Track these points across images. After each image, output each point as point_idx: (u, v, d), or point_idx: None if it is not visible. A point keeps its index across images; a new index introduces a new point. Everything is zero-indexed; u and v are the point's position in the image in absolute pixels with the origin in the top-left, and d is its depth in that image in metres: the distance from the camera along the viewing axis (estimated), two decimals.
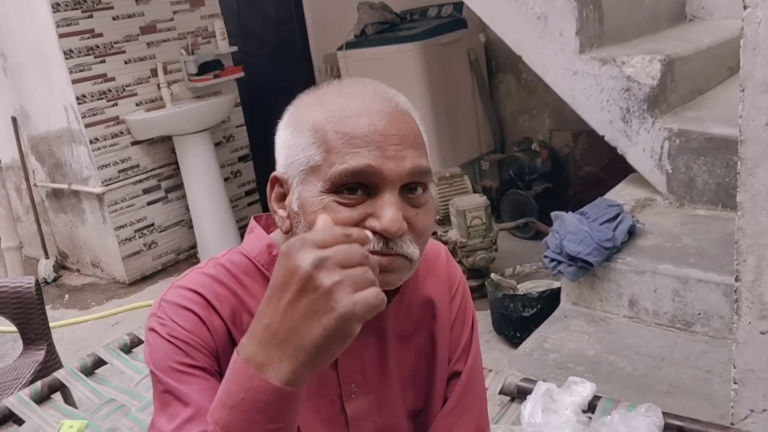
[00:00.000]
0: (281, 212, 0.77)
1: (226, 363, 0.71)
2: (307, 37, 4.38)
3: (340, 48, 3.52)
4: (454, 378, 0.92)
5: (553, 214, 2.07)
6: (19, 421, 1.35)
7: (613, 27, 2.34)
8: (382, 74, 3.37)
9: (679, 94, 2.17)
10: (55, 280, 3.58)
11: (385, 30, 3.51)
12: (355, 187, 0.70)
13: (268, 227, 0.86)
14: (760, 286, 1.07)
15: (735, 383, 1.15)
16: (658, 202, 2.12)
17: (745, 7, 0.95)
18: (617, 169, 2.94)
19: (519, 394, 1.24)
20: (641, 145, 2.09)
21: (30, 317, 1.84)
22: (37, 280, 1.85)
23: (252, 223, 0.86)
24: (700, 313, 1.74)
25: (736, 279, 1.09)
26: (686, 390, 1.59)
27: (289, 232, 0.76)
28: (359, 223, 0.70)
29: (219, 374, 0.75)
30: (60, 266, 3.72)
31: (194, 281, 0.79)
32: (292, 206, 0.74)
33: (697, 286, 1.73)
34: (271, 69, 4.28)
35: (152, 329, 0.76)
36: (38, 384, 1.38)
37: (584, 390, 1.20)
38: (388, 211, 0.69)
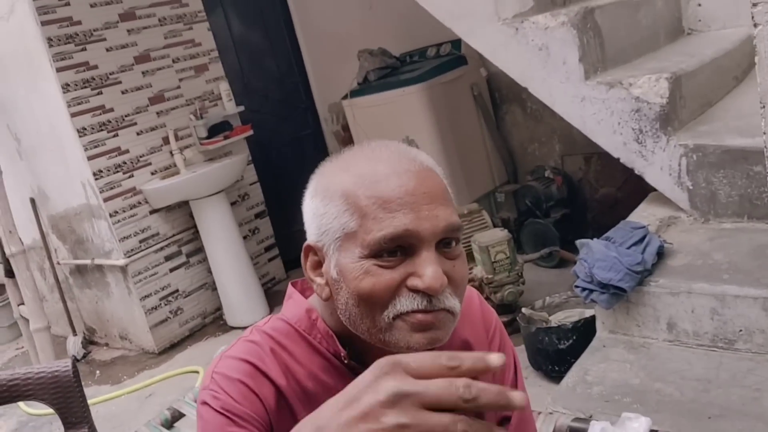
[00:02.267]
0: (319, 280, 0.78)
1: (278, 427, 0.76)
2: (311, 89, 4.45)
3: (345, 97, 3.57)
4: (505, 423, 0.92)
5: (578, 242, 2.06)
6: None
7: (615, 50, 2.36)
8: (389, 118, 3.41)
9: (689, 109, 2.17)
10: (84, 356, 3.58)
11: (387, 75, 3.56)
12: (394, 249, 0.72)
13: (305, 292, 0.88)
14: None
15: None
16: (683, 220, 2.10)
17: (755, 25, 0.95)
18: (634, 188, 2.93)
19: None
20: (658, 164, 2.08)
21: (69, 401, 1.82)
22: (74, 362, 1.83)
23: (290, 289, 0.88)
24: (741, 330, 1.71)
25: None
26: (738, 411, 1.55)
27: (329, 299, 0.78)
28: (401, 283, 0.72)
29: None
30: (88, 342, 3.73)
31: (242, 350, 0.81)
32: (331, 273, 0.76)
33: (734, 302, 1.69)
34: (278, 124, 4.34)
35: (205, 403, 0.77)
36: None
37: (640, 426, 1.17)
38: (429, 269, 0.71)
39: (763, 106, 0.98)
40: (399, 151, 0.78)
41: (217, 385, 0.78)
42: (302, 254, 0.80)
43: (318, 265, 0.79)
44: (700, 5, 2.81)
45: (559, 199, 3.17)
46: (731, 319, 1.71)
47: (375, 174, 0.74)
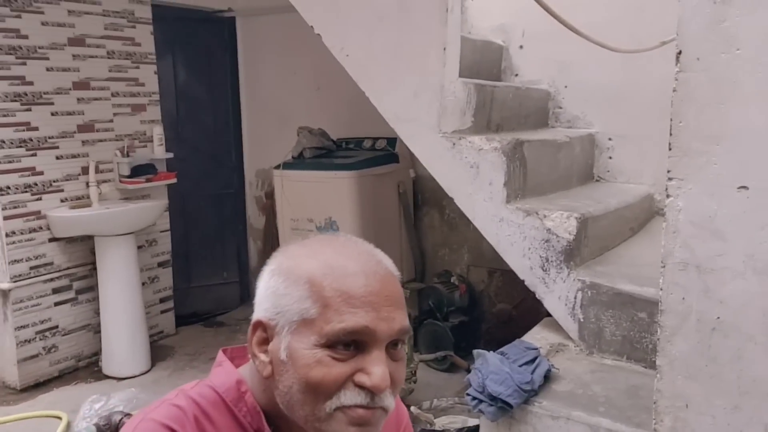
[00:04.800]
0: (263, 357, 0.80)
1: None
2: (242, 151, 4.50)
3: (278, 167, 3.64)
4: None
5: (475, 351, 2.16)
6: None
7: (535, 182, 2.59)
8: (316, 196, 3.50)
9: (590, 249, 2.39)
10: None
11: (322, 155, 3.68)
12: (349, 343, 0.76)
13: (234, 360, 0.88)
14: None
15: None
16: (570, 348, 2.26)
17: (668, 196, 1.12)
18: (528, 309, 3.13)
19: None
20: (557, 293, 2.26)
21: None
22: None
23: (220, 356, 0.89)
24: None
25: None
26: None
27: (270, 378, 0.79)
28: (349, 377, 0.76)
29: None
30: None
31: (165, 414, 0.80)
32: (279, 354, 0.78)
33: None
34: (202, 177, 4.33)
35: None
36: None
37: None
38: (378, 369, 0.76)
39: (664, 266, 1.13)
40: (367, 251, 0.83)
41: None
42: (250, 328, 0.82)
43: (264, 341, 0.80)
44: (611, 158, 3.15)
45: (459, 306, 3.32)
46: None
47: (344, 268, 0.78)
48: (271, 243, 4.41)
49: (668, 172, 1.12)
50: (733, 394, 1.08)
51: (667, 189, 1.12)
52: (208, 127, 4.41)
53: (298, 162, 3.64)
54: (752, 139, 1.02)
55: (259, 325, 0.81)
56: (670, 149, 1.13)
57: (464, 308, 3.34)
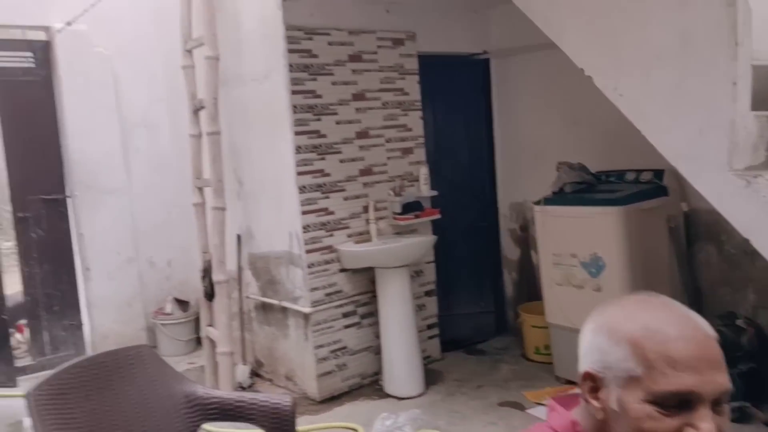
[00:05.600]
0: (595, 403, 0.93)
1: None
2: (496, 185, 4.67)
3: (538, 202, 3.72)
4: None
5: None
6: None
7: None
8: (579, 232, 3.52)
9: None
10: (250, 386, 3.89)
11: (582, 190, 3.68)
12: (676, 402, 0.86)
13: (563, 406, 1.03)
14: None
15: None
16: None
17: None
18: None
19: None
20: None
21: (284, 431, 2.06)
22: (294, 400, 2.08)
23: (552, 403, 1.05)
24: None
25: None
26: None
27: (603, 421, 0.92)
28: (678, 430, 0.85)
29: None
30: (254, 373, 4.05)
31: None
32: (610, 404, 0.90)
33: None
34: (458, 211, 4.57)
35: None
36: None
37: None
38: (705, 425, 0.85)
39: None
40: (683, 314, 0.92)
41: None
42: (580, 377, 0.96)
43: (594, 389, 0.94)
44: None
45: (748, 350, 3.07)
46: None
47: (665, 334, 0.88)
48: (526, 275, 4.50)
49: None
50: None
51: None
52: (464, 163, 4.66)
53: (559, 197, 3.68)
54: None
55: (589, 376, 0.94)
56: None
57: (753, 353, 3.08)
